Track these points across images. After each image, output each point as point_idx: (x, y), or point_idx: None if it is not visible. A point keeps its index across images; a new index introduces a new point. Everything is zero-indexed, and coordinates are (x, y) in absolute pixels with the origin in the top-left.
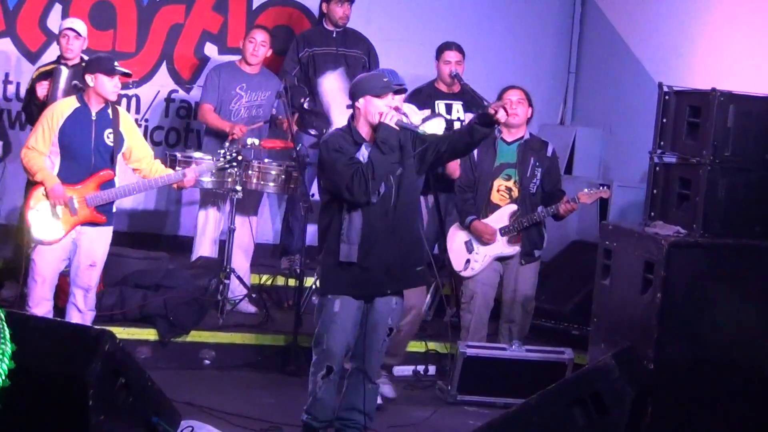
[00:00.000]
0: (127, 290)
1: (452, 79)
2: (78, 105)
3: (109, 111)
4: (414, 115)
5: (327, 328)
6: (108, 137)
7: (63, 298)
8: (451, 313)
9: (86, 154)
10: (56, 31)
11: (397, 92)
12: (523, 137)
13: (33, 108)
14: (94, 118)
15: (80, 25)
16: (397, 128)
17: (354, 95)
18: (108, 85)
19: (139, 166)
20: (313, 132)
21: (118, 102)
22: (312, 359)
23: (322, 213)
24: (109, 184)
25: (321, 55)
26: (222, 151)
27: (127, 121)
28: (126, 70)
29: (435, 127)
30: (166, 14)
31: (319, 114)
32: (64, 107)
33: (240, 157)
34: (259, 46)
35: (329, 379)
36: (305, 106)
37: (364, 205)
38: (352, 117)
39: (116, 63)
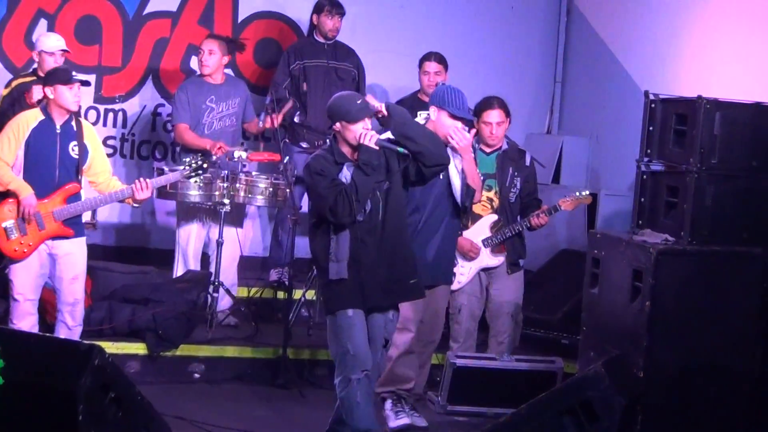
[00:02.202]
0: (116, 305)
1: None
2: (43, 117)
3: (73, 123)
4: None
5: (348, 336)
6: (73, 150)
7: (51, 313)
8: None
9: (50, 167)
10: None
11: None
12: (501, 147)
13: (17, 109)
14: (58, 131)
15: (63, 42)
16: (377, 148)
17: (331, 117)
18: (67, 95)
19: (96, 180)
20: (304, 145)
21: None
22: (337, 377)
23: (312, 234)
24: (75, 197)
25: (312, 67)
26: (187, 160)
27: (91, 134)
28: (84, 79)
29: None
30: (152, 28)
31: (310, 127)
32: (29, 119)
33: (206, 165)
34: (207, 55)
35: (367, 383)
36: (296, 119)
37: (349, 225)
38: (334, 137)
39: (74, 72)
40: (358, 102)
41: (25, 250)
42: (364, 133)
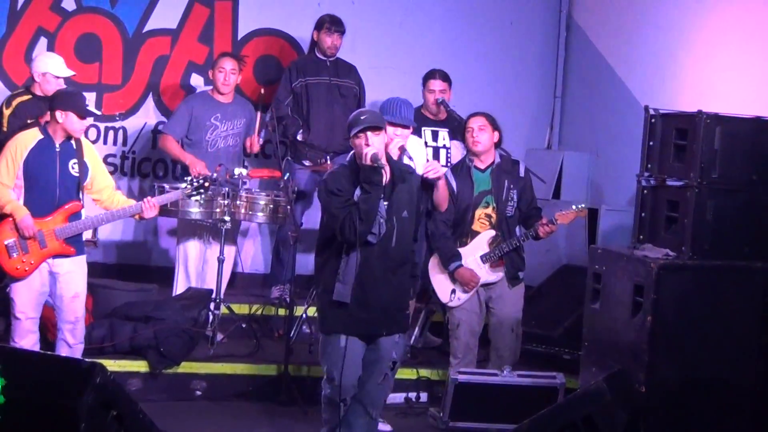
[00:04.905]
0: (117, 322)
1: (438, 106)
2: (41, 137)
3: (72, 142)
4: (417, 147)
5: (336, 365)
6: (73, 168)
7: (52, 331)
8: (416, 335)
9: (51, 185)
10: None
11: (401, 126)
12: (494, 162)
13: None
14: (58, 150)
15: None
16: (371, 164)
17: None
18: (77, 125)
19: (100, 197)
20: (306, 163)
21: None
22: (323, 392)
23: (321, 248)
24: (76, 215)
25: (314, 84)
26: (189, 178)
27: (90, 151)
28: (96, 112)
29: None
30: (152, 46)
31: (313, 145)
32: (27, 139)
33: (207, 184)
34: (229, 74)
35: (347, 406)
36: (298, 137)
37: (363, 246)
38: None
39: (87, 103)
40: (363, 117)
41: (27, 269)
42: (363, 150)
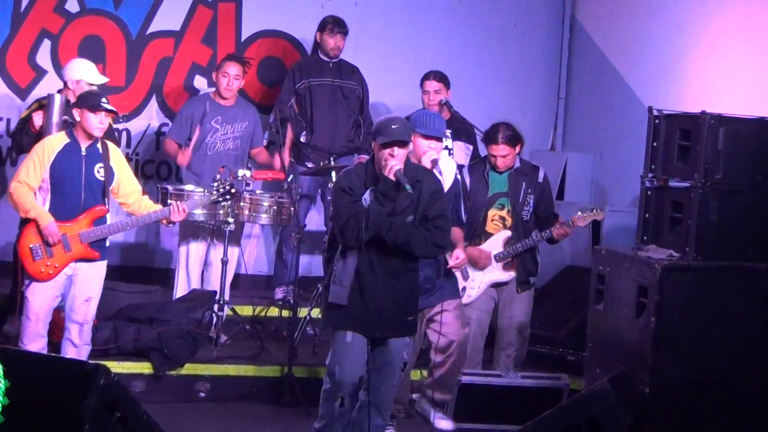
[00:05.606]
0: (121, 324)
1: (441, 107)
2: (68, 140)
3: (99, 146)
4: (447, 163)
5: (339, 360)
6: (98, 172)
7: (58, 333)
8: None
9: (76, 189)
10: (45, 67)
11: (434, 138)
12: (514, 165)
13: (24, 137)
14: (83, 153)
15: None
16: (393, 179)
17: (372, 135)
18: (93, 121)
19: (126, 201)
20: (309, 165)
21: (112, 136)
22: (323, 386)
23: (329, 245)
24: (102, 220)
25: (318, 86)
26: (215, 185)
27: (117, 156)
28: (111, 108)
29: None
30: (155, 48)
31: (316, 147)
32: (54, 143)
33: (233, 191)
34: (233, 80)
35: (344, 408)
36: (302, 139)
37: (361, 250)
38: (373, 155)
39: (104, 99)
40: (394, 127)
41: (51, 272)
42: (387, 162)
